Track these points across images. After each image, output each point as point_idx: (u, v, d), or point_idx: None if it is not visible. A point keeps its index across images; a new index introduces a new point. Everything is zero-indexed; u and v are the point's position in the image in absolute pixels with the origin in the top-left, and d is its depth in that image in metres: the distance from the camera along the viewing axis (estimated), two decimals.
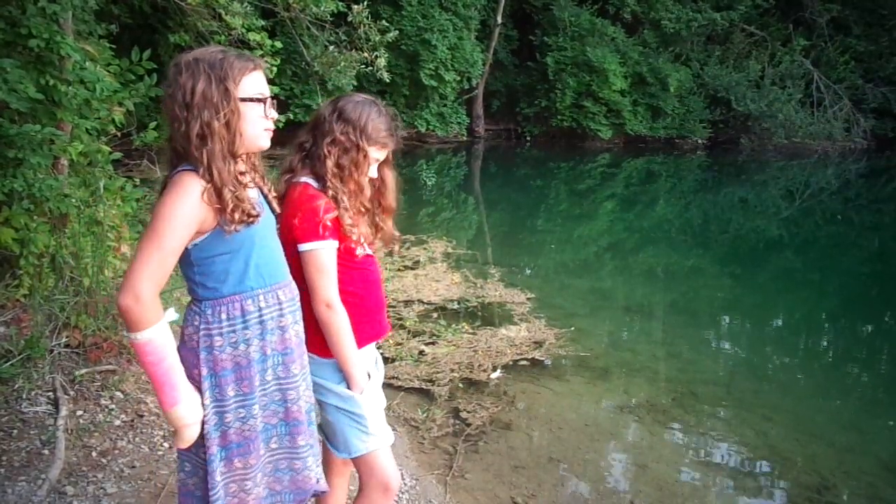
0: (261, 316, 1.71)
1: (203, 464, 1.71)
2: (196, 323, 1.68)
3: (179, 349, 1.70)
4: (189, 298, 1.74)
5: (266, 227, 1.73)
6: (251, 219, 1.64)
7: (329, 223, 1.86)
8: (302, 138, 1.98)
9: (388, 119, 1.98)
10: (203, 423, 1.68)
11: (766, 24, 21.71)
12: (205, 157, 1.58)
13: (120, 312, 1.56)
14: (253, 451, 1.73)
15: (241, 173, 1.67)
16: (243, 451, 1.72)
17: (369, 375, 2.01)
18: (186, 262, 1.66)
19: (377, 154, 1.97)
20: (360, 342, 1.98)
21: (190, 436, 1.66)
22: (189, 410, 1.63)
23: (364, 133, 1.91)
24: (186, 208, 1.57)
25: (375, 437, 1.99)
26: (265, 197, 1.79)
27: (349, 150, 1.91)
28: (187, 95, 1.58)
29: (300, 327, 1.83)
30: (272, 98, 1.71)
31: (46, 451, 2.96)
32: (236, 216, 1.61)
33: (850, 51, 21.10)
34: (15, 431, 3.09)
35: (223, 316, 1.67)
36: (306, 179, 1.91)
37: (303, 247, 1.86)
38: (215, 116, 1.58)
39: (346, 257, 1.94)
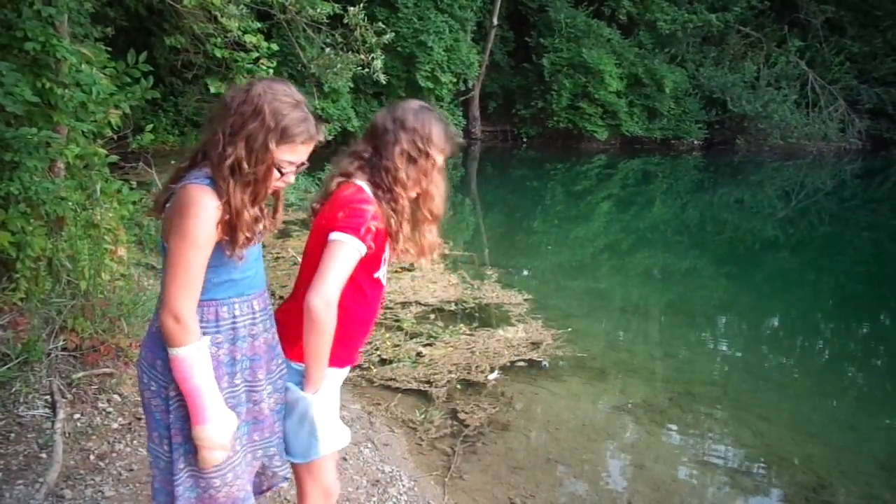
0: (234, 323, 1.74)
1: (163, 457, 1.74)
2: None
3: (146, 340, 1.74)
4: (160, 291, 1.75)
5: None
6: (251, 243, 1.69)
7: (373, 229, 1.85)
8: (359, 147, 1.98)
9: (445, 124, 1.99)
10: (169, 412, 1.69)
11: (762, 26, 21.78)
12: (229, 189, 1.61)
13: (161, 328, 1.62)
14: None
15: (257, 219, 1.70)
16: None
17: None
18: None
19: (440, 161, 1.98)
20: (334, 362, 1.91)
21: (208, 459, 1.68)
22: (213, 434, 1.65)
23: (430, 141, 1.93)
24: (207, 227, 1.60)
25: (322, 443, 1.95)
26: None
27: (417, 159, 1.93)
28: (237, 125, 1.61)
29: (269, 335, 1.84)
30: (301, 164, 1.72)
31: (44, 455, 2.96)
32: (244, 251, 1.67)
33: (844, 52, 21.17)
34: (12, 435, 3.08)
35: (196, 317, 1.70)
36: (362, 183, 1.92)
37: (335, 235, 1.81)
38: (247, 159, 1.61)
39: (365, 268, 1.91)
